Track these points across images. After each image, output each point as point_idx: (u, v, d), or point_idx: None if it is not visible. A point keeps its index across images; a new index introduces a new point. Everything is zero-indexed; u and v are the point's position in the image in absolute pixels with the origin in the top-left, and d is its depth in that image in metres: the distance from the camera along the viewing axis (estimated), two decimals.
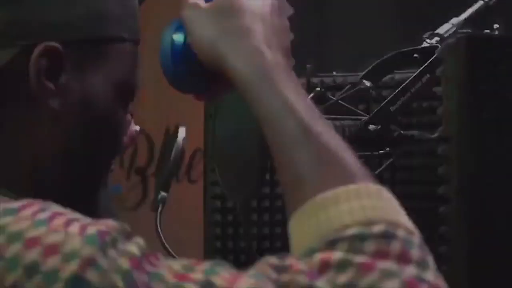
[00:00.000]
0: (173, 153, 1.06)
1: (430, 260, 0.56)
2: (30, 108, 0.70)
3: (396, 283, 0.53)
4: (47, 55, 0.69)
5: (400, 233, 0.56)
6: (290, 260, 0.55)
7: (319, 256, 0.55)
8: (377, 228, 0.55)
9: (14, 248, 0.55)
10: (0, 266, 0.54)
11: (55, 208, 0.59)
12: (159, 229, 1.02)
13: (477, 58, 0.95)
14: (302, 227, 0.58)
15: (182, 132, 1.06)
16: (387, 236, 0.55)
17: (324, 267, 0.54)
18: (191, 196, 1.99)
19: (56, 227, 0.56)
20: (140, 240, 0.58)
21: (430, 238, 1.10)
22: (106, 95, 0.74)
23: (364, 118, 1.07)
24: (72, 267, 0.53)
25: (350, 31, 2.23)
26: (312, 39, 2.17)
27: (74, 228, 0.56)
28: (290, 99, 0.64)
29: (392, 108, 1.05)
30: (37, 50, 0.68)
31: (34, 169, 0.71)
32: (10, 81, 0.70)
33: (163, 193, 1.05)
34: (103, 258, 0.54)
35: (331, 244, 0.55)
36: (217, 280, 0.54)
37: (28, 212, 0.58)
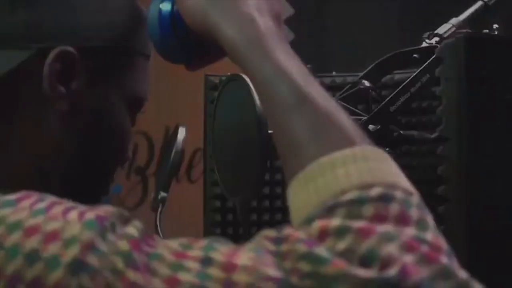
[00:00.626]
0: (173, 153, 1.06)
1: (430, 219, 0.56)
2: (39, 110, 0.71)
3: (396, 245, 0.52)
4: (61, 59, 0.70)
5: (398, 194, 0.56)
6: (288, 230, 0.55)
7: (318, 224, 0.54)
8: (374, 191, 0.55)
9: (14, 237, 0.56)
10: (0, 255, 0.55)
11: (53, 198, 0.60)
12: (159, 229, 1.02)
13: (476, 58, 0.95)
14: (300, 195, 0.58)
15: (182, 132, 1.06)
16: (385, 198, 0.55)
17: (323, 235, 0.54)
18: (191, 196, 1.99)
19: (55, 215, 0.57)
20: (137, 223, 0.58)
21: None
22: (114, 104, 0.75)
23: (364, 118, 1.07)
24: (72, 252, 0.54)
25: (350, 31, 2.23)
26: (312, 39, 2.17)
27: (73, 215, 0.57)
28: (283, 64, 0.64)
29: (391, 108, 1.05)
30: (52, 54, 0.69)
31: (36, 170, 0.71)
32: (23, 82, 0.71)
33: (163, 193, 1.05)
34: (102, 242, 0.55)
35: (330, 210, 0.55)
36: (216, 255, 0.54)
37: (26, 203, 0.58)
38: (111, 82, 0.74)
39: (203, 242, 0.56)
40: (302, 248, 0.53)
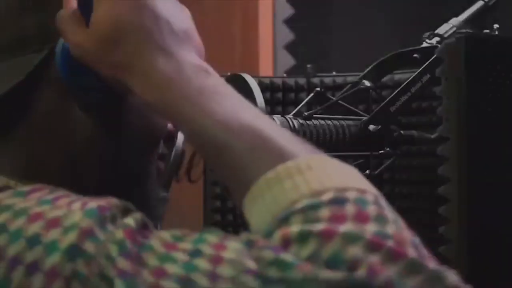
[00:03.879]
0: (173, 154, 1.06)
1: (390, 213, 0.55)
2: (60, 108, 0.71)
3: (360, 246, 0.52)
4: None
5: (351, 195, 0.55)
6: (254, 237, 0.55)
7: (277, 234, 0.54)
8: (326, 196, 0.55)
9: (18, 222, 0.57)
10: (3, 238, 0.57)
11: (63, 192, 0.61)
12: (159, 229, 1.02)
13: (476, 58, 0.96)
14: (252, 214, 0.58)
15: None
16: (338, 201, 0.54)
17: (285, 243, 0.53)
18: (191, 196, 1.99)
19: (60, 205, 0.59)
20: (138, 215, 0.59)
21: (430, 238, 1.11)
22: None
23: (364, 118, 1.07)
24: (70, 238, 0.55)
25: (351, 31, 2.23)
26: (312, 39, 2.17)
27: (77, 205, 0.58)
28: (202, 102, 0.62)
29: (392, 108, 1.05)
30: None
31: (66, 166, 0.72)
32: (42, 82, 0.71)
33: (163, 193, 1.05)
34: (100, 231, 0.56)
35: (285, 220, 0.54)
36: (204, 247, 0.55)
37: (36, 194, 0.60)
38: None
39: (195, 235, 0.57)
40: (269, 254, 0.52)
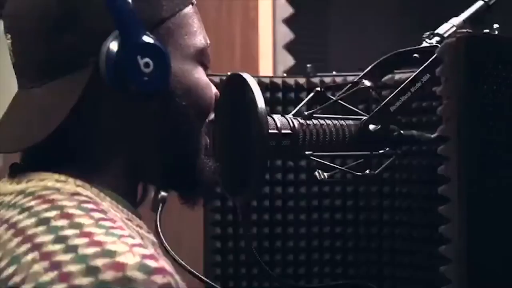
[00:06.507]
0: None
1: None
2: (117, 112, 0.76)
3: None
4: None
5: None
6: None
7: None
8: None
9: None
10: None
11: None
12: (159, 229, 1.02)
13: (476, 58, 0.95)
14: None
15: None
16: None
17: None
18: None
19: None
20: None
21: (430, 238, 1.10)
22: (182, 69, 0.79)
23: (364, 118, 1.07)
24: None
25: (351, 31, 2.23)
26: (312, 39, 2.17)
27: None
28: None
29: (392, 108, 1.05)
30: None
31: (133, 158, 0.80)
32: (98, 95, 0.75)
33: (163, 193, 1.05)
34: None
35: None
36: None
37: (126, 239, 0.67)
38: (171, 51, 0.77)
39: None
40: None
